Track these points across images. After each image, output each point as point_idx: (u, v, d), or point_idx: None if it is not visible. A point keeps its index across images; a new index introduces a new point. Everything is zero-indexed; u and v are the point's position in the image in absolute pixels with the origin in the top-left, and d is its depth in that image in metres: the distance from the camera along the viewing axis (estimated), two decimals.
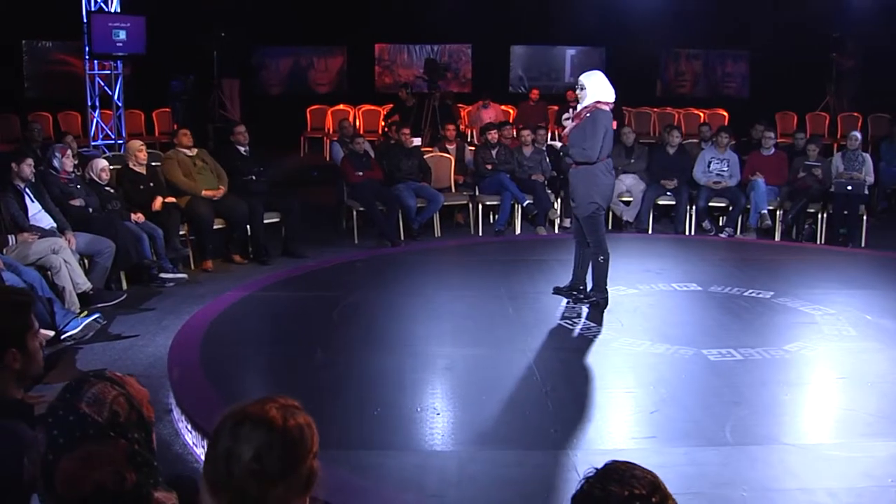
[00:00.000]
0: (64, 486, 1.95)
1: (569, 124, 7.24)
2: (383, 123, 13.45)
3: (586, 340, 6.45)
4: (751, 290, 7.75)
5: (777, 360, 6.02)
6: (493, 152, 11.33)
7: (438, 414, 5.08)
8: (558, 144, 7.38)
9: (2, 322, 2.55)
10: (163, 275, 8.33)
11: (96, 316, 6.71)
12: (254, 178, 9.60)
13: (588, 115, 6.99)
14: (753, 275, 8.43)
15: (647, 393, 5.45)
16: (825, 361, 6.06)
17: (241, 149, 9.74)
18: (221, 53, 14.98)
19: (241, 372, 5.99)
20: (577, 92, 7.14)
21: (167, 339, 6.61)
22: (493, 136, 11.39)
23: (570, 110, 7.39)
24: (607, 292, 7.16)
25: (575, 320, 6.91)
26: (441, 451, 4.62)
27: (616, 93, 7.08)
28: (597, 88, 7.02)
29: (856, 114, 16.21)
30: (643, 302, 7.49)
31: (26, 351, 2.59)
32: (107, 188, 8.38)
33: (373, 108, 16.32)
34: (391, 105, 15.98)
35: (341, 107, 16.31)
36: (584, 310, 7.12)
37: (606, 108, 7.03)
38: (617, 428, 5.00)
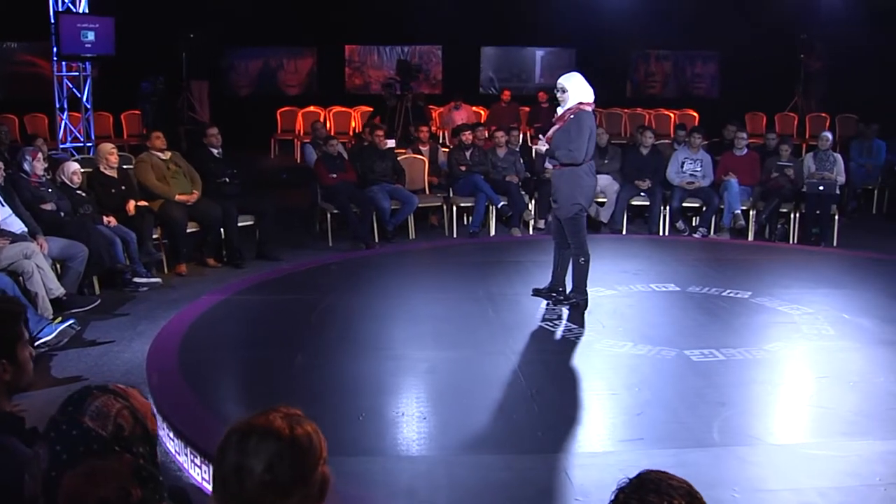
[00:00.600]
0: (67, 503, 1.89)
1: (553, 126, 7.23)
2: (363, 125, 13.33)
3: (568, 342, 6.44)
4: (729, 291, 7.78)
5: (759, 360, 6.04)
6: (467, 153, 11.30)
7: (424, 418, 5.03)
8: (544, 148, 7.34)
9: None
10: (136, 279, 8.21)
11: (70, 322, 6.58)
12: (227, 180, 9.50)
13: (572, 116, 6.97)
14: (730, 275, 8.46)
15: (631, 394, 5.44)
16: (806, 361, 6.08)
17: (214, 151, 9.64)
18: (190, 55, 14.81)
19: (222, 377, 5.92)
20: (558, 94, 7.11)
21: (143, 345, 6.52)
22: (467, 137, 11.37)
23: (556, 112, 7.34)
24: (587, 294, 7.15)
25: (556, 322, 6.89)
26: (429, 456, 4.57)
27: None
28: (578, 90, 7.01)
29: (824, 114, 16.37)
30: (623, 303, 7.48)
31: (16, 362, 2.51)
32: (78, 192, 8.25)
33: (343, 109, 16.23)
34: (364, 107, 15.94)
35: (312, 108, 16.21)
36: (565, 311, 7.10)
37: (589, 108, 7.02)
38: (604, 430, 4.98)
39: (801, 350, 6.26)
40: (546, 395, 5.39)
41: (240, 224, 9.26)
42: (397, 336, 6.64)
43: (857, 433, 4.85)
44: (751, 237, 10.85)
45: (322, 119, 15.02)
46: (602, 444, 4.75)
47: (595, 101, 7.14)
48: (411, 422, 4.98)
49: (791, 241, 10.72)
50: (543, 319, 6.98)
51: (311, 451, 1.87)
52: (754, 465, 4.47)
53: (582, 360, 6.09)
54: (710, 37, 17.39)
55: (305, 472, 1.85)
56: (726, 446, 4.68)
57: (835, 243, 10.47)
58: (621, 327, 6.75)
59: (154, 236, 8.71)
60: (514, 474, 4.31)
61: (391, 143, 11.47)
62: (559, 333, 6.65)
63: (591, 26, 16.58)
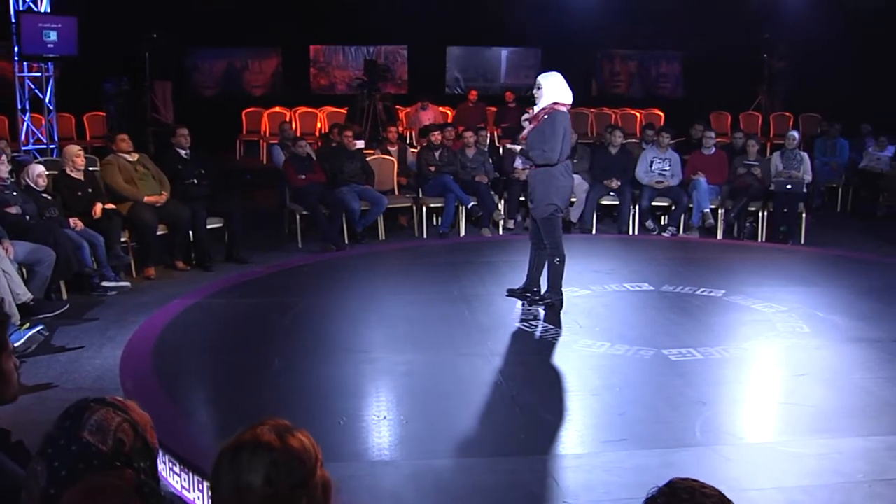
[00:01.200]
0: None
1: (527, 125, 7.21)
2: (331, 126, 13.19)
3: (546, 343, 6.41)
4: (702, 289, 7.80)
5: (737, 358, 6.06)
6: (437, 154, 11.26)
7: (406, 422, 4.98)
8: (517, 147, 7.33)
9: None
10: (105, 283, 8.08)
11: (39, 328, 6.44)
12: (195, 181, 9.37)
13: (546, 116, 6.95)
14: (703, 273, 8.49)
15: (612, 395, 5.42)
16: (783, 359, 6.10)
17: (182, 152, 9.50)
18: (153, 55, 14.60)
19: (197, 382, 5.82)
20: (535, 92, 7.09)
21: (114, 351, 6.41)
22: (436, 137, 11.33)
23: (529, 111, 7.33)
24: (562, 294, 7.13)
25: (532, 323, 6.86)
26: (413, 460, 4.51)
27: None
28: (553, 89, 6.98)
29: (787, 113, 16.55)
30: (598, 303, 7.48)
31: (1, 373, 2.41)
32: (44, 195, 8.08)
33: (309, 110, 16.10)
34: (330, 107, 15.83)
35: (277, 109, 16.06)
36: (541, 312, 7.08)
37: (564, 108, 7.00)
38: (587, 431, 4.95)
39: (778, 348, 6.29)
40: (527, 397, 5.36)
41: (208, 226, 9.13)
42: (374, 338, 6.58)
43: (838, 430, 4.87)
44: (720, 236, 10.92)
45: (288, 119, 14.91)
46: (586, 446, 4.71)
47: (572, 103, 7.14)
48: (393, 426, 4.92)
49: (759, 240, 10.81)
50: (520, 320, 6.95)
51: (306, 457, 1.82)
52: (739, 464, 4.48)
53: (561, 360, 6.07)
54: (674, 37, 17.49)
55: (305, 478, 1.81)
56: (710, 446, 4.67)
57: (802, 241, 10.56)
58: (598, 327, 6.74)
59: (122, 239, 8.57)
60: (501, 478, 4.27)
61: (360, 143, 11.39)
62: (536, 334, 6.61)
63: (557, 26, 16.60)
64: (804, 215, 10.68)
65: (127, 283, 8.28)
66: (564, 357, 6.11)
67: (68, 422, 1.88)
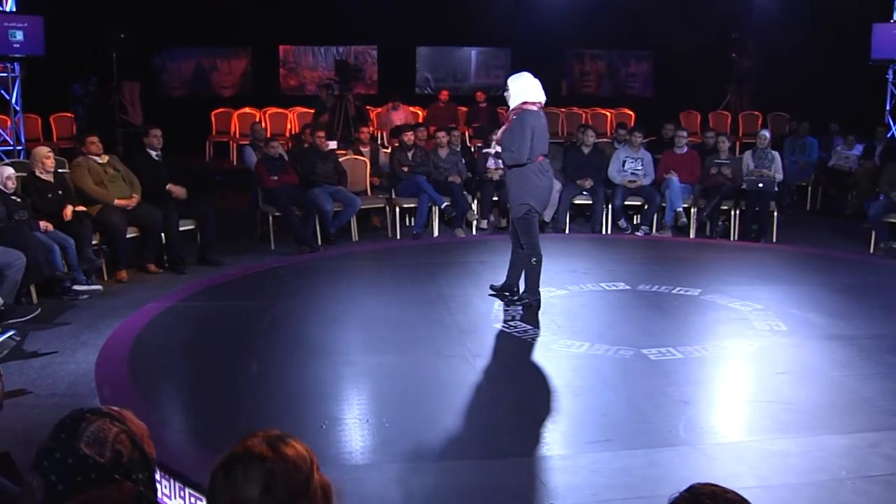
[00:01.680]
0: None
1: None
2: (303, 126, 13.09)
3: (526, 343, 6.38)
4: (679, 288, 7.82)
5: (716, 357, 6.09)
6: (409, 154, 11.22)
7: (388, 425, 4.92)
8: (493, 150, 7.34)
9: None
10: (76, 287, 7.94)
11: (11, 333, 6.32)
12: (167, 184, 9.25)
13: (514, 116, 6.97)
14: (678, 273, 8.52)
15: (594, 395, 5.42)
16: (763, 357, 6.11)
17: (153, 153, 9.38)
18: (120, 55, 14.41)
19: (176, 387, 5.74)
20: (506, 94, 7.11)
21: (88, 355, 6.31)
22: (409, 137, 11.29)
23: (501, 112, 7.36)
24: (539, 294, 7.13)
25: (511, 323, 6.84)
26: (397, 464, 4.46)
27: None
28: (521, 89, 7.01)
29: (756, 112, 16.67)
30: (576, 303, 7.48)
31: None
32: (13, 197, 7.93)
33: (280, 110, 15.98)
34: (300, 108, 15.72)
35: (247, 110, 15.93)
36: (519, 312, 7.06)
37: (534, 107, 6.99)
38: (571, 431, 4.92)
39: (756, 346, 6.30)
40: (509, 398, 5.35)
41: (181, 228, 9.02)
42: (353, 340, 6.53)
43: (820, 428, 4.88)
44: (692, 234, 10.96)
45: (258, 120, 14.81)
46: (571, 447, 4.68)
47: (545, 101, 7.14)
48: (375, 429, 4.87)
49: (732, 238, 10.86)
50: (498, 321, 6.92)
51: (301, 463, 1.80)
52: (724, 463, 4.48)
53: (541, 361, 6.04)
54: (642, 36, 17.57)
55: (303, 485, 1.78)
56: (694, 445, 4.67)
57: (774, 239, 10.63)
58: (577, 327, 6.73)
59: (93, 242, 8.44)
60: (488, 480, 4.24)
61: (333, 144, 11.32)
62: (516, 335, 6.58)
63: (526, 26, 16.61)
64: (776, 214, 10.74)
65: (99, 287, 8.15)
66: (545, 357, 6.09)
67: (64, 433, 1.82)
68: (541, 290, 7.15)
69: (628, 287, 7.94)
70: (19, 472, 2.41)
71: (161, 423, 4.90)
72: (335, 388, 5.56)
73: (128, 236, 8.66)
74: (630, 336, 6.47)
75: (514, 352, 6.25)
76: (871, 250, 10.07)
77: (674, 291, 7.75)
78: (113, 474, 1.79)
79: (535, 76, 7.11)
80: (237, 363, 5.86)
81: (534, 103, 6.97)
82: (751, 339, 6.42)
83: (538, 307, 7.08)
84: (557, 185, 11.14)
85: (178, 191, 9.18)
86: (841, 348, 6.24)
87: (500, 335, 6.60)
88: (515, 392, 5.48)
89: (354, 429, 4.87)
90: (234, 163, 14.98)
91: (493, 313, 7.11)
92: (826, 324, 6.84)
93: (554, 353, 6.16)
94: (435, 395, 5.38)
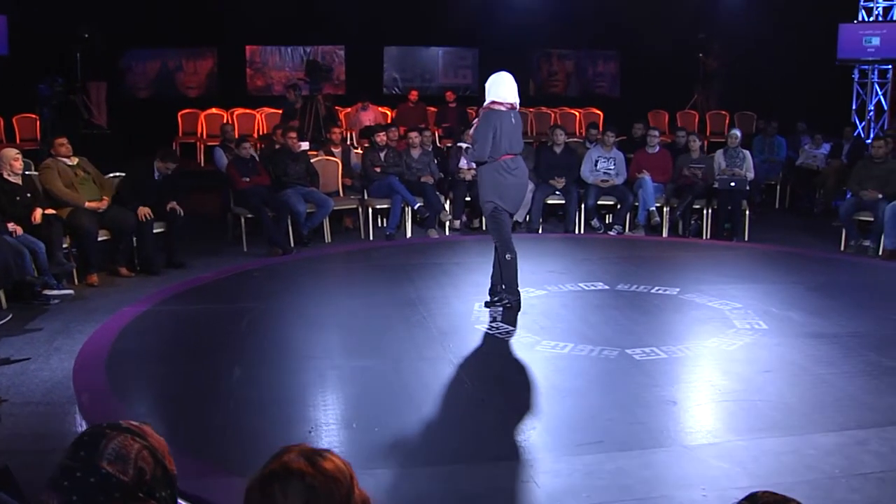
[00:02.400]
0: None
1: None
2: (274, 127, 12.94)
3: (509, 345, 6.35)
4: (657, 287, 7.83)
5: (700, 356, 6.09)
6: (382, 155, 11.13)
7: (376, 430, 4.85)
8: (464, 146, 7.36)
9: None
10: (46, 291, 7.76)
11: None
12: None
13: (481, 115, 7.00)
14: (655, 272, 8.53)
15: (582, 396, 5.38)
16: (747, 356, 6.10)
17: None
18: (85, 55, 14.15)
19: (156, 393, 5.63)
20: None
21: (62, 362, 6.17)
22: (381, 138, 11.20)
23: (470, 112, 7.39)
24: (519, 294, 7.10)
25: (492, 324, 6.79)
26: (389, 469, 4.39)
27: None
28: (491, 89, 7.07)
29: (723, 112, 16.78)
30: (556, 303, 7.46)
31: None
32: None
33: (247, 111, 15.80)
34: (268, 108, 15.57)
35: (214, 110, 15.74)
36: (500, 313, 7.02)
37: (501, 107, 6.98)
38: (561, 434, 4.87)
39: (739, 345, 6.31)
40: (496, 401, 5.30)
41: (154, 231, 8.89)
42: (335, 344, 6.45)
43: (809, 426, 4.89)
44: (665, 233, 10.99)
45: (226, 121, 14.63)
46: (563, 449, 4.64)
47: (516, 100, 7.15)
48: (364, 433, 4.81)
49: (704, 237, 10.90)
50: (479, 322, 6.88)
51: (341, 478, 1.72)
52: (717, 462, 4.45)
53: (526, 362, 5.99)
54: (609, 36, 17.60)
55: (344, 500, 1.70)
56: (686, 445, 4.66)
57: (746, 238, 10.69)
58: (559, 328, 6.71)
59: (63, 245, 8.26)
60: (482, 484, 4.19)
61: (305, 145, 11.21)
62: (498, 336, 6.54)
63: (493, 26, 16.56)
64: (747, 212, 10.80)
65: (70, 291, 7.98)
66: (529, 359, 6.05)
67: (83, 451, 1.73)
68: (520, 290, 7.11)
69: (607, 287, 7.94)
70: (19, 486, 2.32)
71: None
72: (320, 393, 5.48)
73: (98, 239, 8.50)
74: (613, 336, 6.46)
75: (497, 353, 6.20)
76: (842, 248, 10.15)
77: (652, 291, 7.76)
78: (136, 493, 1.71)
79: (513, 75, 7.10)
80: (219, 368, 5.76)
81: (501, 103, 6.98)
82: (733, 338, 6.43)
83: (518, 308, 7.05)
84: (530, 185, 11.16)
85: (178, 208, 9.05)
86: (823, 346, 6.27)
87: (482, 337, 6.54)
88: (502, 394, 5.43)
89: (342, 434, 4.81)
90: (202, 164, 14.80)
91: (474, 314, 7.06)
92: (806, 322, 6.87)
93: (538, 354, 6.12)
94: (422, 399, 5.30)
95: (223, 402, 5.24)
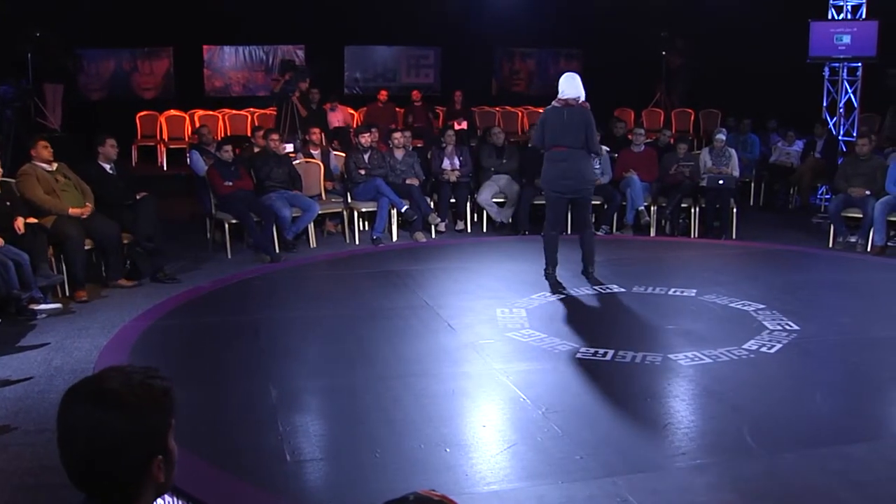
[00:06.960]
0: None
1: None
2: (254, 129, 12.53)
3: (546, 353, 6.09)
4: (674, 289, 7.72)
5: (746, 360, 5.91)
6: (366, 157, 10.83)
7: (447, 450, 4.57)
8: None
9: (149, 418, 1.75)
10: (33, 306, 7.29)
11: None
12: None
13: None
14: (665, 273, 8.44)
15: (645, 405, 5.17)
16: (796, 359, 5.99)
17: (107, 166, 8.74)
18: (36, 55, 13.52)
19: (188, 419, 5.20)
20: None
21: (67, 383, 5.69)
22: (365, 139, 10.90)
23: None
24: (549, 267, 7.98)
25: (521, 332, 6.55)
26: (495, 490, 4.12)
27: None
28: (559, 87, 7.82)
29: (688, 109, 16.84)
30: (577, 306, 7.28)
31: (169, 457, 1.86)
32: None
33: (210, 113, 15.30)
34: (227, 109, 15.15)
35: (174, 112, 15.22)
36: (524, 319, 6.82)
37: (557, 103, 7.78)
38: (643, 446, 4.59)
39: (781, 346, 6.16)
40: (560, 414, 5.02)
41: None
42: (375, 357, 6.05)
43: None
44: (653, 233, 10.90)
45: (187, 123, 14.17)
46: (650, 463, 4.39)
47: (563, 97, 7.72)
48: (447, 455, 4.49)
49: (692, 236, 10.86)
50: (507, 329, 6.64)
51: None
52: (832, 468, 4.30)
53: (571, 371, 5.73)
54: (572, 35, 17.53)
55: None
56: (773, 453, 4.46)
57: (734, 235, 10.66)
58: (594, 333, 6.50)
59: (48, 256, 7.78)
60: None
61: (289, 147, 10.85)
62: (531, 344, 6.29)
63: (455, 24, 16.36)
64: (734, 210, 10.78)
65: (58, 305, 7.53)
66: (574, 367, 5.78)
67: None
68: (534, 296, 7.28)
69: (623, 289, 7.79)
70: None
71: (188, 460, 4.47)
72: (384, 410, 5.09)
73: (84, 249, 8.05)
74: (650, 341, 6.30)
75: (540, 362, 5.92)
76: (830, 244, 10.17)
77: (671, 293, 7.64)
78: None
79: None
80: (252, 388, 5.42)
81: (557, 99, 7.75)
82: (770, 341, 6.29)
83: (549, 279, 7.87)
84: (514, 186, 11.01)
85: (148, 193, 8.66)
86: (875, 348, 6.18)
87: (516, 345, 6.28)
88: (563, 407, 5.09)
89: (414, 456, 4.51)
90: (164, 168, 14.30)
91: (501, 321, 6.82)
92: (838, 323, 6.79)
93: (580, 362, 5.86)
94: (483, 413, 5.07)
95: (272, 426, 4.86)
